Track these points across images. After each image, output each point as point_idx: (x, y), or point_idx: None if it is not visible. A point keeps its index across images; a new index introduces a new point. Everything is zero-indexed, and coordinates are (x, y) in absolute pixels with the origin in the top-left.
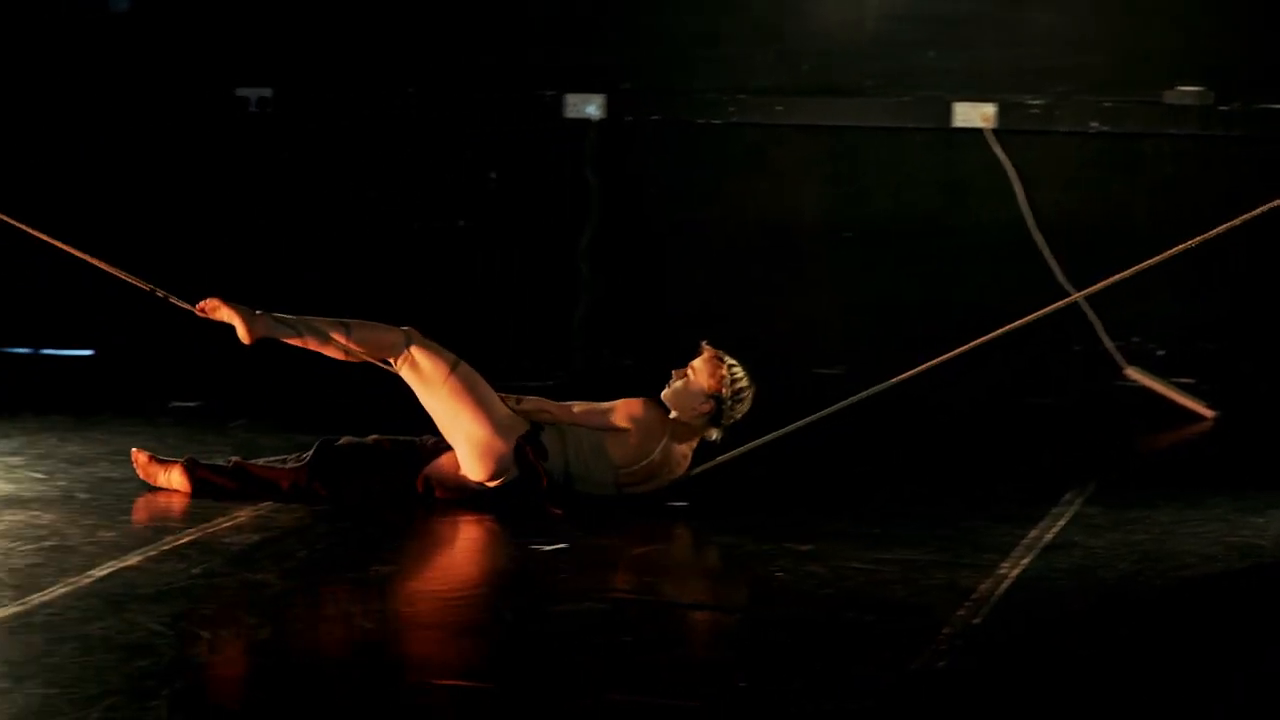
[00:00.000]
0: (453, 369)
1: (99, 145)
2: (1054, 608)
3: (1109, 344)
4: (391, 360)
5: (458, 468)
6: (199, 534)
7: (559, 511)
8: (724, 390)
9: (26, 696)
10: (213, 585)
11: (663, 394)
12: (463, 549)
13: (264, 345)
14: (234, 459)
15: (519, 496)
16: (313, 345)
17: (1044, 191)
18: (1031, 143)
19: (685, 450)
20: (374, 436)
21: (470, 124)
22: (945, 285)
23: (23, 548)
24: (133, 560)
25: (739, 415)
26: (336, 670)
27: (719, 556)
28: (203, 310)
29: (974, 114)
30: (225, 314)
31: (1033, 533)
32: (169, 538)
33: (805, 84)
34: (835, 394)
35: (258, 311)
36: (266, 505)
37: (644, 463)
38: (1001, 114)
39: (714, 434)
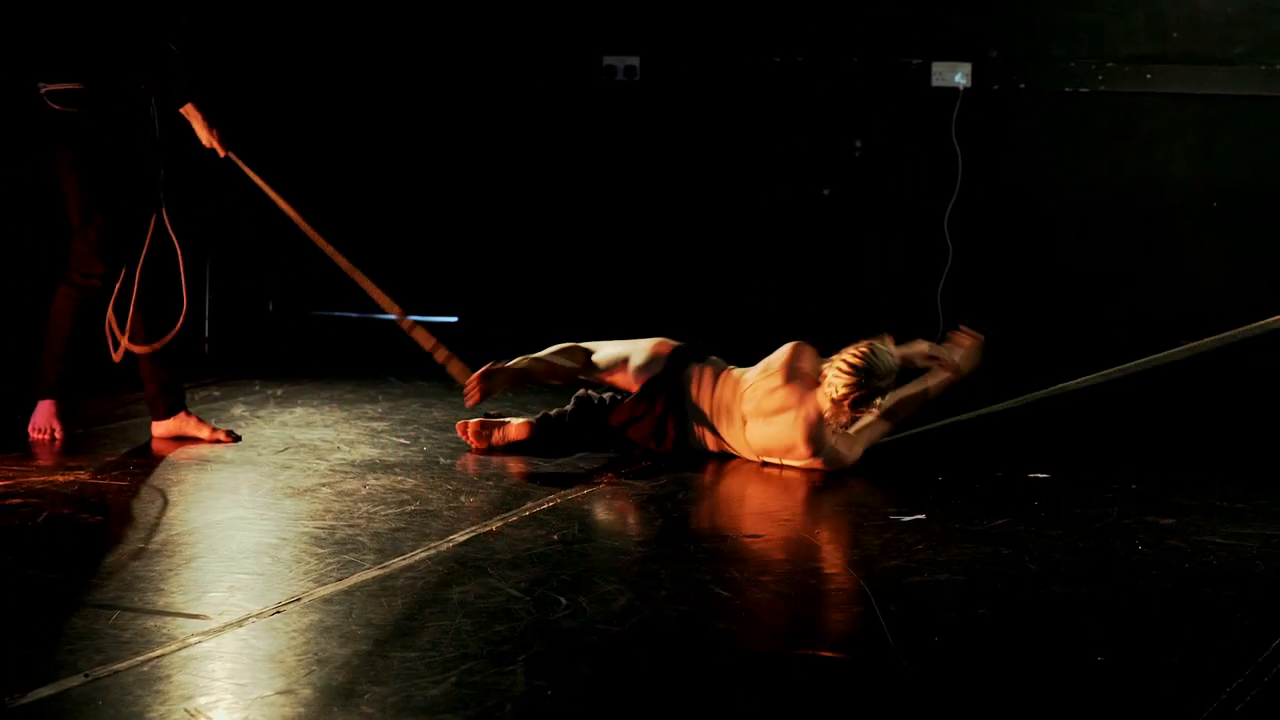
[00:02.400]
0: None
1: (463, 114)
2: None
3: None
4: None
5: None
6: (559, 500)
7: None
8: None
9: (386, 659)
10: (571, 552)
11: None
12: (817, 520)
13: None
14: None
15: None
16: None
17: None
18: None
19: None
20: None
21: (836, 92)
22: None
23: (385, 512)
24: (493, 526)
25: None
26: (692, 639)
27: (1078, 529)
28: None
29: None
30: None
31: None
32: (530, 504)
33: (1174, 52)
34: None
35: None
36: (625, 472)
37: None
38: None
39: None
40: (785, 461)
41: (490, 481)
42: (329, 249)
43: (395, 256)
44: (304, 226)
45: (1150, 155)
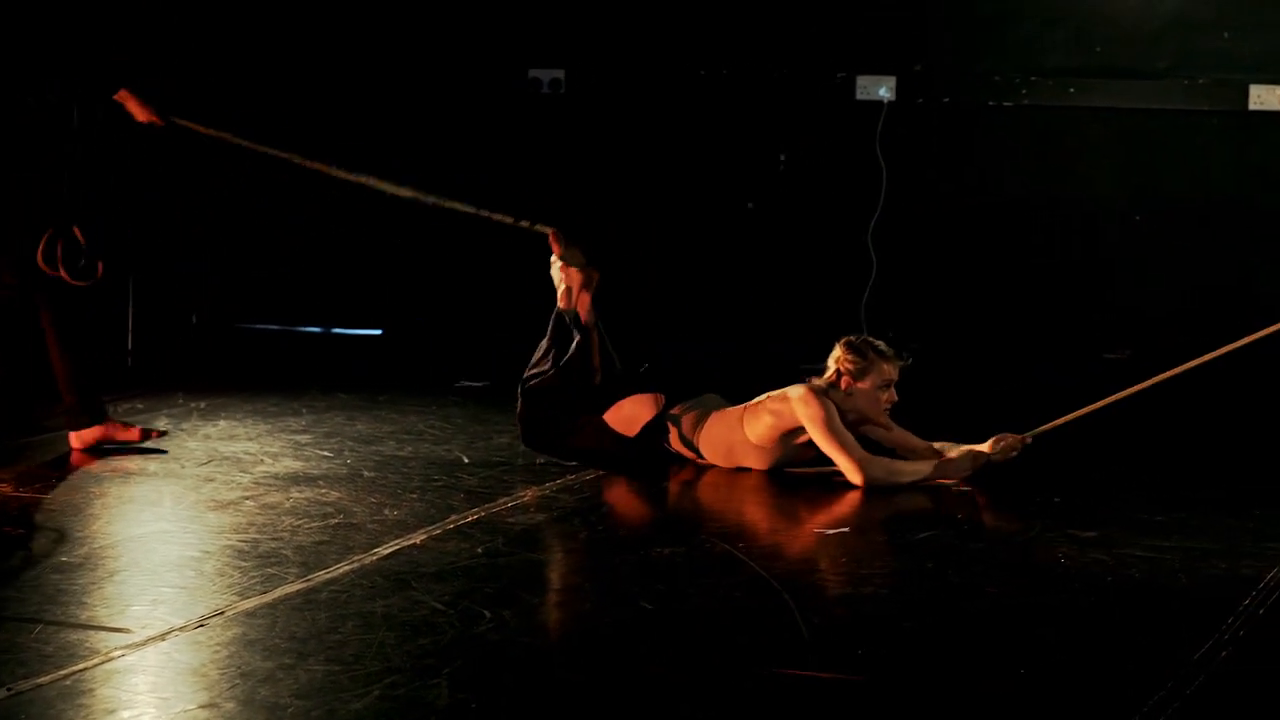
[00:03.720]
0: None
1: (391, 128)
2: None
3: None
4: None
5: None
6: (483, 513)
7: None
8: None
9: (309, 672)
10: (496, 565)
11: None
12: (741, 533)
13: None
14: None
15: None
16: None
17: None
18: None
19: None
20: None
21: (761, 105)
22: (1240, 270)
23: (309, 525)
24: (417, 539)
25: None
26: (617, 652)
27: (1001, 542)
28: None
29: (1271, 97)
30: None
31: None
32: (454, 516)
33: (1098, 66)
34: (1124, 378)
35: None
36: (551, 484)
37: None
38: None
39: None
40: (774, 452)
41: (414, 494)
42: (324, 168)
43: (319, 269)
44: (285, 155)
45: (1074, 169)
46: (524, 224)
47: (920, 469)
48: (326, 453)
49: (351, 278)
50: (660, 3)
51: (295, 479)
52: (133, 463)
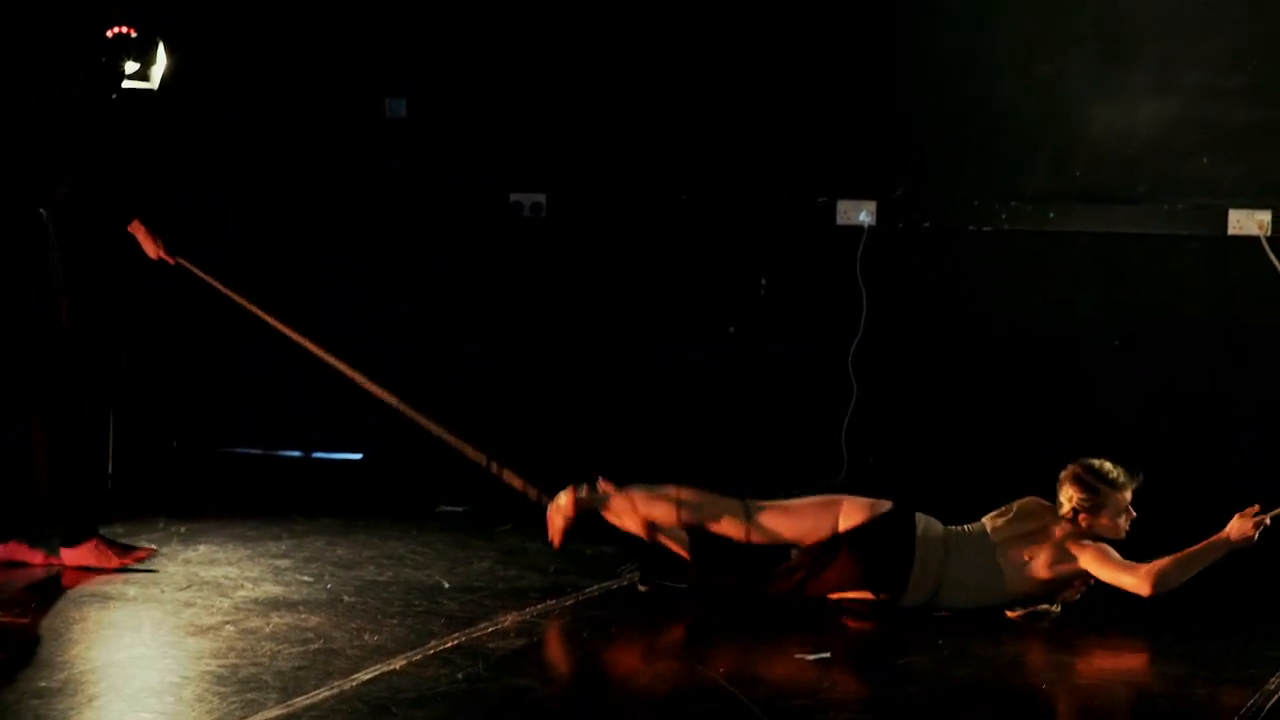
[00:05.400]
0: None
1: (374, 249)
2: None
3: None
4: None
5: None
6: (463, 638)
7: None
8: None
9: None
10: (476, 691)
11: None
12: (722, 658)
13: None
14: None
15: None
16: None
17: None
18: None
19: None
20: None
21: (742, 230)
22: (1220, 392)
23: (289, 650)
24: (397, 664)
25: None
26: None
27: (985, 666)
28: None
29: (1250, 222)
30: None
31: None
32: (433, 642)
33: (1078, 191)
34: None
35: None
36: (531, 609)
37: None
38: (1277, 222)
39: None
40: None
41: (394, 619)
42: (310, 345)
43: (299, 392)
44: (274, 323)
45: (1054, 293)
46: (531, 493)
47: (1200, 556)
48: (307, 577)
49: (331, 402)
50: (643, 128)
51: (275, 604)
52: (112, 587)
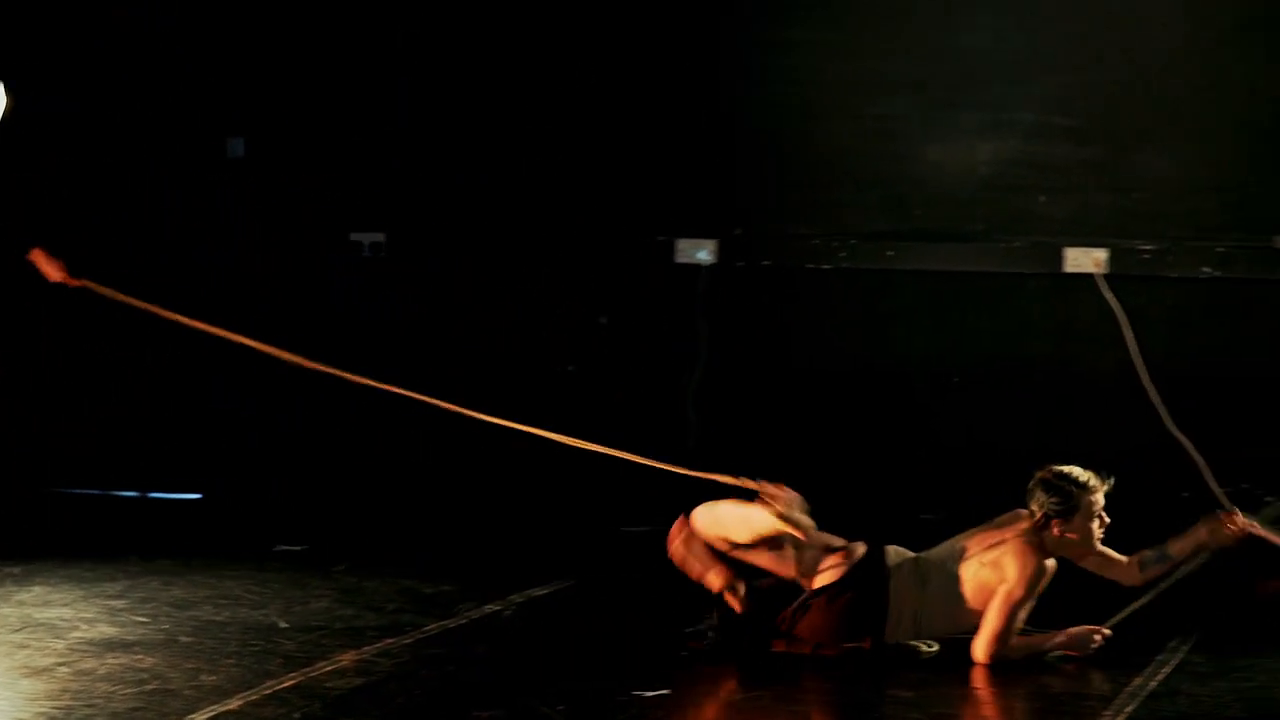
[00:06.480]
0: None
1: (213, 286)
2: None
3: (1216, 490)
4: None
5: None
6: (301, 678)
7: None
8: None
9: None
10: None
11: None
12: (568, 697)
13: None
14: None
15: None
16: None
17: (1154, 336)
18: (1142, 288)
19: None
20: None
21: (581, 268)
22: (1054, 430)
23: (124, 691)
24: (233, 704)
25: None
26: None
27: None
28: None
29: (1085, 259)
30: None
31: (1136, 680)
32: (270, 682)
33: (916, 229)
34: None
35: None
36: (369, 649)
37: None
38: (1113, 259)
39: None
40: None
41: (231, 659)
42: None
43: (139, 429)
44: (200, 325)
45: (891, 330)
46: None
47: (1039, 643)
48: (142, 618)
49: (169, 440)
50: (483, 167)
51: (110, 645)
52: None
